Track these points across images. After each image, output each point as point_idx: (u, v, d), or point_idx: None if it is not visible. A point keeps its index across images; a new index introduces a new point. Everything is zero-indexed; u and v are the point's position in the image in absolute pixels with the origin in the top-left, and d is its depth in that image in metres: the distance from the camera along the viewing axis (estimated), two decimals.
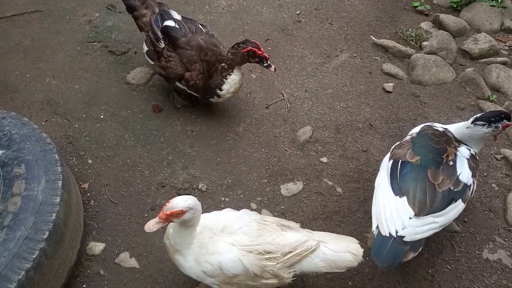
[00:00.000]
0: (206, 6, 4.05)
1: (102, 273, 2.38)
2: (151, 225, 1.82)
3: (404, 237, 2.08)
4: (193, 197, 1.86)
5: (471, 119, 2.37)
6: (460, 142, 2.44)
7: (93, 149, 2.93)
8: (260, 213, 2.44)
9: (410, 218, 2.13)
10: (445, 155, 2.32)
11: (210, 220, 2.04)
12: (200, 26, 3.06)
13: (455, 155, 2.33)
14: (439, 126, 2.52)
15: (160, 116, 3.18)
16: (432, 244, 2.61)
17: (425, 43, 3.84)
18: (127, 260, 2.44)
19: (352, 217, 2.72)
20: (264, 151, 3.03)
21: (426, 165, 2.27)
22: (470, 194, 2.31)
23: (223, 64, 2.84)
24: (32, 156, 2.20)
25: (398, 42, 3.84)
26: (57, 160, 2.25)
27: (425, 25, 4.07)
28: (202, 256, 1.94)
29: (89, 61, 3.49)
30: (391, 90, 3.50)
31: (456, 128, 2.48)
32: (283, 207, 2.74)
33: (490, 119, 2.32)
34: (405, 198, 2.18)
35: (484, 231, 2.70)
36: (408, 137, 2.54)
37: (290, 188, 2.84)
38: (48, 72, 3.38)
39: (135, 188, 2.76)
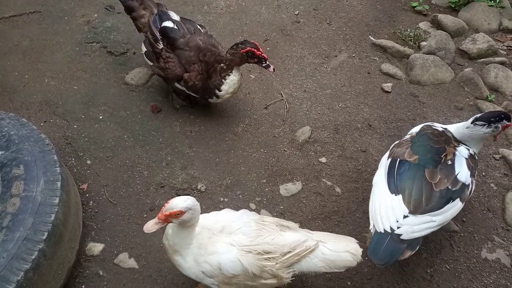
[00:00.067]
0: (204, 6, 4.05)
1: (101, 273, 2.38)
2: (150, 226, 1.82)
3: (401, 235, 2.09)
4: (192, 197, 1.86)
5: (471, 119, 2.37)
6: (459, 142, 2.44)
7: (92, 149, 2.93)
8: (259, 213, 2.45)
9: (405, 216, 2.14)
10: (443, 154, 2.32)
11: (209, 221, 2.04)
12: (199, 27, 3.06)
13: (454, 154, 2.34)
14: (438, 126, 2.53)
15: (159, 116, 3.18)
16: (430, 244, 2.61)
17: (423, 43, 3.84)
18: (126, 260, 2.44)
19: (351, 217, 2.72)
20: (263, 152, 3.04)
21: (424, 164, 2.28)
22: (468, 193, 2.32)
23: (222, 64, 2.84)
24: (31, 157, 2.20)
25: (396, 42, 3.84)
26: (56, 161, 2.25)
27: (423, 25, 4.08)
28: (201, 256, 1.94)
29: (88, 62, 3.49)
30: (389, 90, 3.50)
31: (456, 128, 2.49)
32: (282, 207, 2.75)
33: (490, 119, 2.33)
34: (400, 196, 2.20)
35: (483, 231, 2.70)
36: (407, 136, 2.55)
37: (289, 188, 2.85)
38: (47, 72, 3.38)
39: (134, 188, 2.76)
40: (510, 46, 3.95)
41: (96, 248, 2.47)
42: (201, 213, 1.96)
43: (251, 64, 2.95)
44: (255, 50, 2.71)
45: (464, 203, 2.29)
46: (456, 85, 3.59)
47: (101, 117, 3.13)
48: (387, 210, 2.17)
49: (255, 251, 1.94)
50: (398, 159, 2.35)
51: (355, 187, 2.87)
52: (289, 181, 2.88)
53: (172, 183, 2.80)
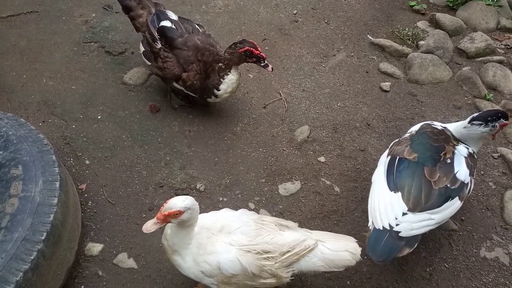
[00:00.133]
0: (203, 6, 4.05)
1: (100, 274, 2.38)
2: (149, 226, 1.82)
3: (400, 232, 2.10)
4: (190, 197, 1.85)
5: (468, 119, 2.38)
6: (458, 140, 2.45)
7: (91, 149, 2.93)
8: (258, 213, 2.45)
9: (403, 213, 2.14)
10: (443, 153, 2.33)
11: (208, 220, 2.04)
12: (197, 26, 3.05)
13: (453, 153, 2.34)
14: (438, 125, 2.54)
15: (158, 116, 3.17)
16: (429, 243, 2.62)
17: (421, 42, 3.85)
18: (125, 260, 2.44)
19: (350, 216, 2.72)
20: (262, 151, 3.04)
21: (423, 162, 2.28)
22: (467, 192, 2.32)
23: (220, 64, 2.84)
24: (29, 157, 2.20)
25: (394, 41, 3.85)
26: (55, 161, 2.24)
27: (421, 24, 4.08)
28: (200, 256, 1.94)
29: (86, 62, 3.48)
30: (388, 89, 3.51)
31: (454, 127, 2.50)
32: (281, 206, 2.75)
33: (487, 118, 2.33)
34: (399, 193, 2.21)
35: (482, 230, 2.71)
36: (407, 135, 2.56)
37: (288, 187, 2.85)
38: (45, 72, 3.37)
39: (133, 188, 2.75)
40: (508, 45, 3.95)
41: (95, 248, 2.47)
42: (200, 212, 1.96)
43: (249, 64, 2.95)
44: (254, 49, 2.71)
45: (462, 201, 2.30)
46: (454, 84, 3.60)
47: (99, 117, 3.12)
48: (386, 207, 2.18)
49: (254, 250, 1.94)
50: (398, 157, 2.35)
51: (354, 186, 2.88)
52: (288, 181, 2.88)
53: (171, 183, 2.79)
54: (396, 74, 3.63)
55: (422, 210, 2.16)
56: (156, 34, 2.95)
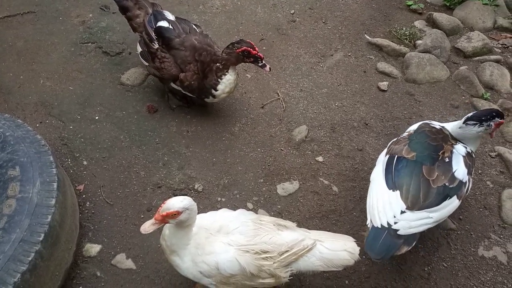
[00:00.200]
0: (200, 6, 4.05)
1: (98, 274, 2.37)
2: (147, 227, 1.82)
3: (398, 230, 2.10)
4: (188, 197, 1.85)
5: (463, 119, 2.39)
6: (457, 140, 2.45)
7: (88, 150, 2.92)
8: (256, 213, 2.44)
9: (402, 211, 2.15)
10: (441, 152, 2.33)
11: (206, 221, 2.03)
12: (194, 26, 3.05)
13: (451, 152, 2.35)
14: (436, 124, 2.54)
15: (155, 116, 3.17)
16: (428, 242, 2.62)
17: (419, 41, 3.85)
18: (123, 261, 2.43)
19: (348, 215, 2.73)
20: (260, 151, 3.03)
21: (422, 161, 2.29)
22: (465, 191, 2.33)
23: (218, 64, 2.83)
24: (27, 158, 2.19)
25: (392, 41, 3.85)
26: (52, 162, 2.24)
27: (419, 23, 4.09)
28: (198, 256, 1.94)
29: (83, 62, 3.47)
30: (385, 89, 3.51)
31: (452, 127, 2.51)
32: (279, 206, 2.75)
33: (481, 118, 2.34)
34: (398, 192, 2.21)
35: (479, 229, 2.71)
36: (405, 134, 2.56)
37: (286, 187, 2.85)
38: (42, 73, 3.36)
39: (131, 189, 2.75)
40: (505, 44, 3.96)
41: (93, 249, 2.46)
42: (198, 213, 1.96)
43: (247, 64, 2.95)
44: (251, 49, 2.71)
45: (461, 200, 2.30)
46: (451, 83, 3.61)
47: (97, 117, 3.12)
48: (385, 205, 2.18)
49: (252, 250, 1.94)
50: (396, 156, 2.36)
51: (352, 186, 2.88)
52: (286, 181, 2.88)
53: (169, 183, 2.79)
54: (393, 74, 3.63)
55: (420, 208, 2.17)
56: (153, 34, 2.95)
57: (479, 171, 3.01)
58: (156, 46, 2.95)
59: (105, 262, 2.42)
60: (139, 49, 3.10)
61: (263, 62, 2.77)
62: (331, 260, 2.02)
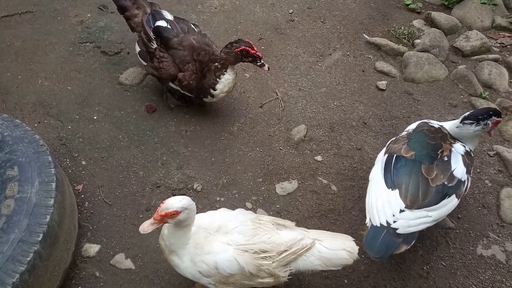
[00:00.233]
0: (198, 5, 4.04)
1: (97, 274, 2.37)
2: (146, 227, 1.82)
3: (397, 229, 2.11)
4: (187, 197, 1.85)
5: (460, 118, 2.40)
6: (455, 139, 2.46)
7: (87, 150, 2.92)
8: (255, 212, 2.44)
9: (401, 210, 2.15)
10: (440, 150, 2.34)
11: (205, 220, 2.03)
12: (192, 26, 3.05)
13: (450, 151, 2.35)
14: (435, 123, 2.55)
15: (154, 116, 3.17)
16: (426, 241, 2.63)
17: (417, 41, 3.86)
18: (122, 261, 2.43)
19: (347, 215, 2.73)
20: (259, 150, 3.03)
21: (420, 160, 2.29)
22: (464, 190, 2.33)
23: (216, 63, 2.83)
24: (25, 158, 2.19)
25: (390, 40, 3.85)
26: (51, 162, 2.23)
27: (417, 23, 4.09)
28: (197, 256, 1.93)
29: (81, 62, 3.47)
30: (384, 88, 3.51)
31: (450, 126, 2.51)
32: (278, 206, 2.75)
33: (478, 117, 2.35)
34: (397, 191, 2.21)
35: (478, 227, 2.72)
36: (404, 133, 2.57)
37: (285, 187, 2.85)
38: (40, 73, 3.35)
39: (130, 189, 2.75)
40: (503, 43, 3.97)
41: (92, 249, 2.46)
42: (197, 212, 1.96)
43: (245, 63, 2.95)
44: (250, 49, 2.71)
45: (459, 199, 2.31)
46: (450, 82, 3.61)
47: (95, 117, 3.11)
48: (384, 204, 2.19)
49: (251, 250, 1.94)
50: (395, 155, 2.36)
51: (351, 185, 2.88)
52: (285, 180, 2.88)
53: (168, 183, 2.79)
54: (392, 73, 3.63)
55: (419, 207, 2.17)
56: (151, 34, 2.94)
57: (478, 170, 3.01)
58: (155, 45, 2.95)
59: (104, 262, 2.42)
60: (138, 48, 3.10)
61: (262, 61, 2.77)
62: (330, 259, 2.02)
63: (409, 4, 4.25)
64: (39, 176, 2.14)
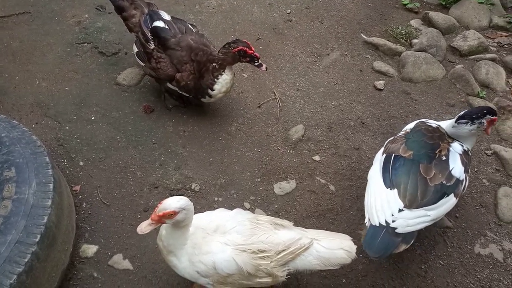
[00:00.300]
0: (196, 6, 4.04)
1: (95, 275, 2.37)
2: (144, 227, 1.81)
3: (396, 228, 2.11)
4: (185, 197, 1.85)
5: (455, 118, 2.40)
6: (453, 138, 2.46)
7: (85, 151, 2.91)
8: (253, 212, 2.45)
9: (400, 210, 2.15)
10: (438, 150, 2.34)
11: (203, 220, 2.03)
12: (190, 26, 3.05)
13: (448, 150, 2.36)
14: (432, 123, 2.55)
15: (152, 117, 3.16)
16: (424, 240, 2.63)
17: (415, 40, 3.86)
18: (120, 262, 2.43)
19: (345, 214, 2.73)
20: (257, 151, 3.03)
21: (419, 160, 2.29)
22: (462, 189, 2.34)
23: (214, 64, 2.83)
24: (23, 159, 2.18)
25: (388, 40, 3.86)
26: (48, 163, 2.23)
27: (414, 22, 4.10)
28: (195, 256, 1.93)
29: (79, 63, 3.46)
30: (382, 88, 3.52)
31: (447, 125, 2.51)
32: (276, 206, 2.75)
33: (472, 116, 2.35)
34: (396, 190, 2.22)
35: (476, 226, 2.72)
36: (402, 133, 2.57)
37: (283, 186, 2.85)
38: (38, 74, 3.35)
39: (128, 189, 2.74)
40: (500, 43, 3.98)
41: (90, 249, 2.46)
42: (195, 213, 1.95)
43: (243, 63, 2.95)
44: (247, 49, 2.71)
45: (458, 198, 2.31)
46: (447, 82, 3.62)
47: (93, 118, 3.11)
48: (383, 204, 2.19)
49: (249, 250, 1.94)
50: (393, 155, 2.36)
51: (349, 185, 2.88)
52: (283, 180, 2.88)
53: (165, 184, 2.79)
54: (390, 73, 3.64)
55: (418, 206, 2.18)
56: (149, 34, 2.94)
57: (475, 169, 3.02)
58: (152, 46, 2.95)
59: (102, 262, 2.42)
60: (135, 49, 3.10)
61: (260, 61, 2.77)
62: (328, 258, 2.03)
63: (406, 4, 4.26)
64: (36, 177, 2.14)
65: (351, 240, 2.10)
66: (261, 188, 2.83)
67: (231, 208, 2.33)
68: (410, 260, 2.54)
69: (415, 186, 2.21)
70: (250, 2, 4.15)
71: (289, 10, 4.12)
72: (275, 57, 3.69)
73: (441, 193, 2.23)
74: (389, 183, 2.26)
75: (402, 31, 3.96)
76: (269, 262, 1.96)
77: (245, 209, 2.61)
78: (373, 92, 3.50)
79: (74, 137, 2.98)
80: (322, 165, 2.99)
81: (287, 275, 2.03)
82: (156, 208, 1.81)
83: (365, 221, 2.23)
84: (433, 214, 2.21)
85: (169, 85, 3.03)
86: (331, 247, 2.04)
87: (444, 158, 2.32)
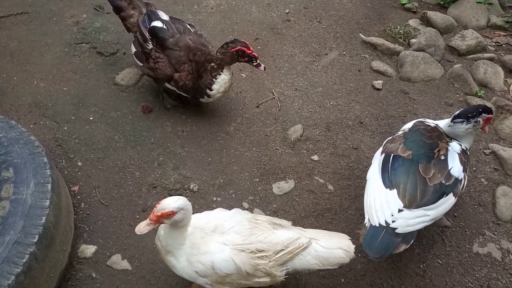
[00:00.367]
0: (195, 5, 4.04)
1: (94, 275, 2.37)
2: (142, 227, 1.81)
3: (396, 228, 2.11)
4: (183, 197, 1.85)
5: (451, 117, 2.40)
6: (451, 137, 2.47)
7: (83, 151, 2.91)
8: (252, 212, 2.44)
9: (399, 210, 2.15)
10: (436, 149, 2.34)
11: (201, 220, 2.03)
12: (188, 26, 3.04)
13: (447, 150, 2.36)
14: (431, 122, 2.55)
15: (150, 117, 3.16)
16: (423, 239, 2.63)
17: (413, 40, 3.87)
18: (119, 262, 2.43)
19: (344, 214, 2.73)
20: (256, 150, 3.03)
21: (418, 159, 2.29)
22: (461, 188, 2.34)
23: (212, 64, 2.83)
24: (21, 160, 2.18)
25: (386, 40, 3.86)
26: (46, 163, 2.23)
27: (413, 22, 4.10)
28: (194, 256, 1.93)
29: (77, 63, 3.46)
30: (380, 88, 3.52)
31: (444, 125, 2.51)
32: (275, 205, 2.75)
33: (468, 115, 2.35)
34: (395, 190, 2.22)
35: (474, 225, 2.73)
36: (400, 132, 2.57)
37: (281, 186, 2.85)
38: (36, 74, 3.34)
39: (126, 189, 2.74)
40: (499, 42, 3.98)
41: (88, 250, 2.45)
42: (194, 213, 1.95)
43: (242, 63, 2.95)
44: (246, 49, 2.71)
45: (456, 197, 2.31)
46: (446, 81, 3.62)
47: (91, 118, 3.11)
48: (382, 204, 2.19)
49: (248, 249, 1.94)
50: (392, 155, 2.36)
51: (348, 184, 2.88)
52: (281, 180, 2.88)
53: (164, 184, 2.78)
54: (388, 72, 3.64)
55: (417, 206, 2.18)
56: (147, 34, 2.94)
57: (474, 168, 3.02)
58: (150, 46, 2.94)
59: (100, 263, 2.42)
60: (133, 49, 3.09)
61: (258, 61, 2.77)
62: (327, 258, 2.03)
63: (405, 4, 4.27)
64: (34, 178, 2.13)
65: (350, 239, 2.10)
66: (259, 188, 2.83)
67: (229, 208, 2.33)
68: (409, 259, 2.54)
69: (415, 186, 2.21)
70: (249, 2, 4.15)
71: (288, 10, 4.12)
72: (274, 57, 3.69)
73: (441, 193, 2.23)
74: (389, 183, 2.26)
75: (401, 31, 3.96)
76: (268, 261, 1.96)
77: (243, 209, 2.61)
78: (372, 91, 3.51)
79: (72, 137, 2.98)
80: (321, 165, 2.99)
81: (285, 275, 2.03)
82: (155, 208, 1.81)
83: (365, 222, 2.22)
84: (433, 213, 2.21)
85: (167, 85, 3.03)
86: (329, 247, 2.04)
87: (442, 157, 2.32)
